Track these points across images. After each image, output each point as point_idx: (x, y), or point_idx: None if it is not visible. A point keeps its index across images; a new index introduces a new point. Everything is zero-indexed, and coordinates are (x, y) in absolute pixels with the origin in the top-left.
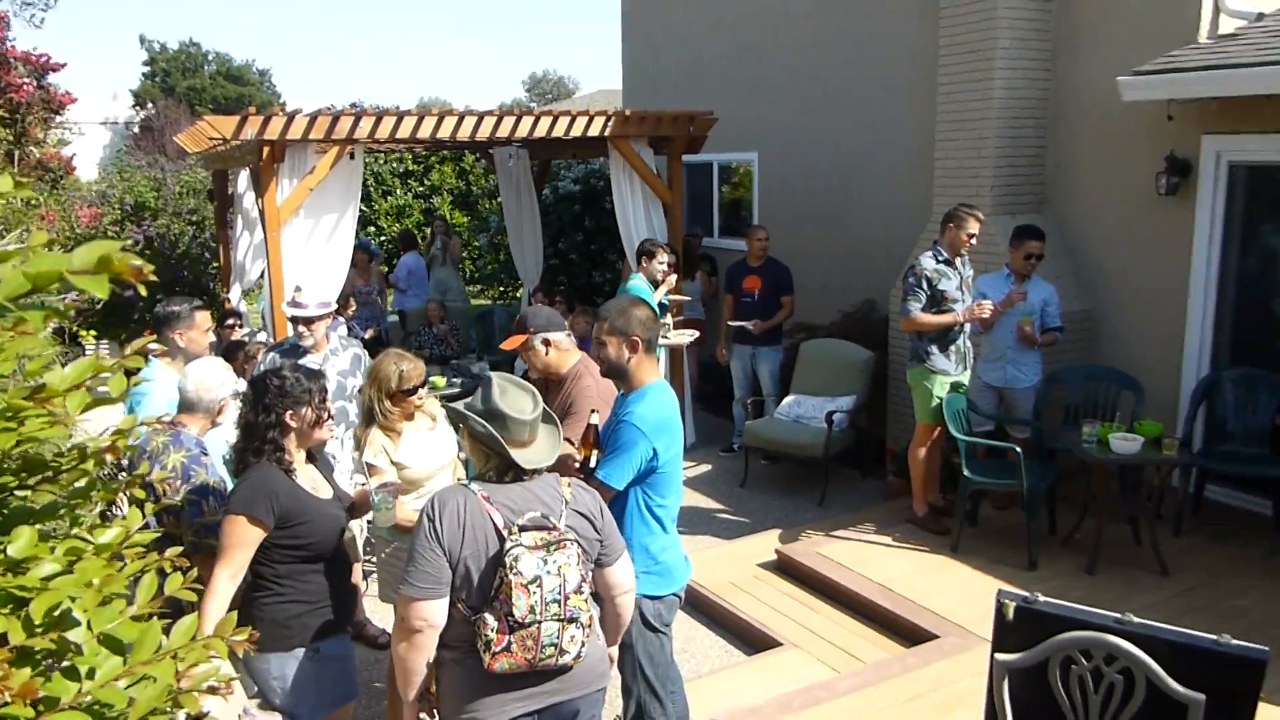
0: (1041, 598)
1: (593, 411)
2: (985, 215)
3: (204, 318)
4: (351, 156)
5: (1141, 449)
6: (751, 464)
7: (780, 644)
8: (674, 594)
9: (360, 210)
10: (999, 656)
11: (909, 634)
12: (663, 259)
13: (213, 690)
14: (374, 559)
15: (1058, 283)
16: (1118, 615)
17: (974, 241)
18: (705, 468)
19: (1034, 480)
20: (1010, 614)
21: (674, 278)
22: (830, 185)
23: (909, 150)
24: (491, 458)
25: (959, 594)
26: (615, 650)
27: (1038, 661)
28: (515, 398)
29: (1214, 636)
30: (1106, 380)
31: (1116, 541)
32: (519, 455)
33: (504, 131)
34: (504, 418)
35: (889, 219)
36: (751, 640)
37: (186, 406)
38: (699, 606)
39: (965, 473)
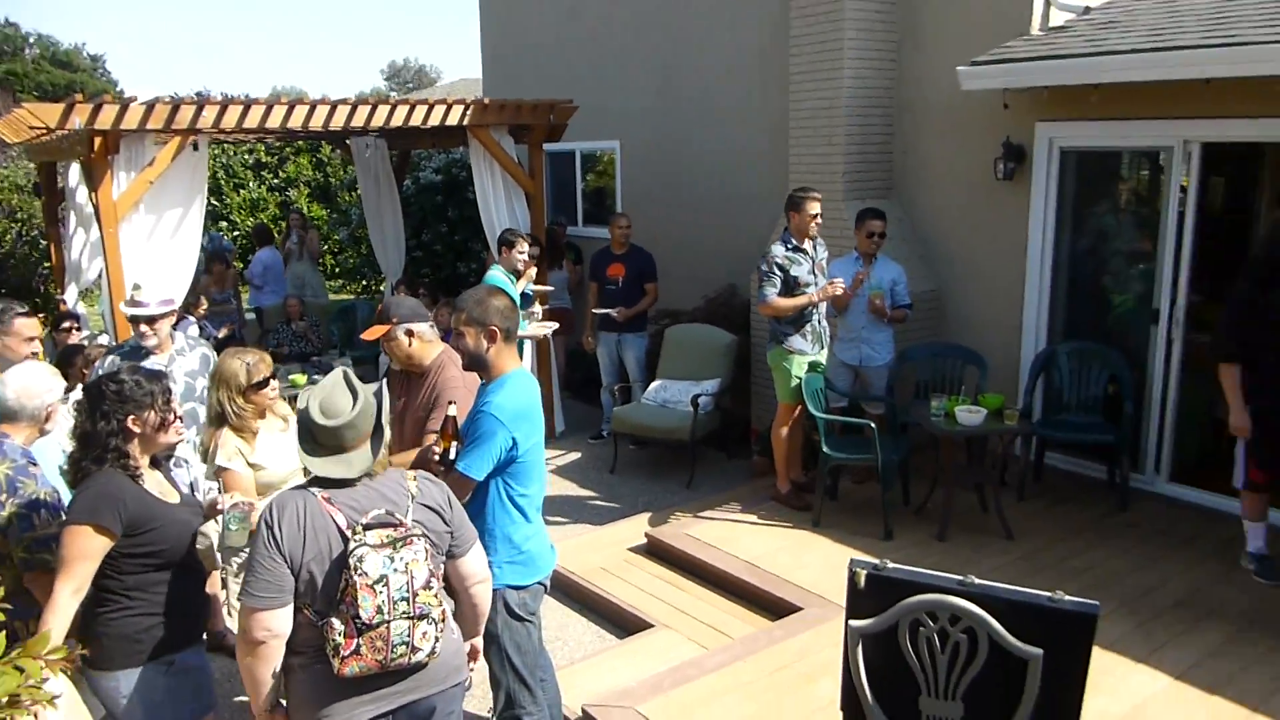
0: (891, 564)
1: (450, 403)
2: (838, 202)
3: (24, 324)
4: (195, 148)
5: (985, 420)
6: (620, 450)
7: (651, 626)
8: (539, 582)
9: (211, 204)
10: (853, 623)
11: (775, 608)
12: (523, 249)
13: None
14: (232, 565)
15: (907, 264)
16: (960, 578)
17: (819, 221)
18: (575, 455)
19: (888, 454)
20: (862, 582)
21: (534, 270)
22: (691, 173)
23: (766, 138)
24: None
25: (821, 566)
26: (478, 641)
27: (888, 626)
28: (332, 400)
29: (1049, 594)
30: (953, 356)
31: (965, 509)
32: (319, 464)
33: (359, 121)
34: (307, 424)
35: (749, 205)
36: (624, 624)
37: (8, 416)
38: (571, 593)
39: (824, 449)
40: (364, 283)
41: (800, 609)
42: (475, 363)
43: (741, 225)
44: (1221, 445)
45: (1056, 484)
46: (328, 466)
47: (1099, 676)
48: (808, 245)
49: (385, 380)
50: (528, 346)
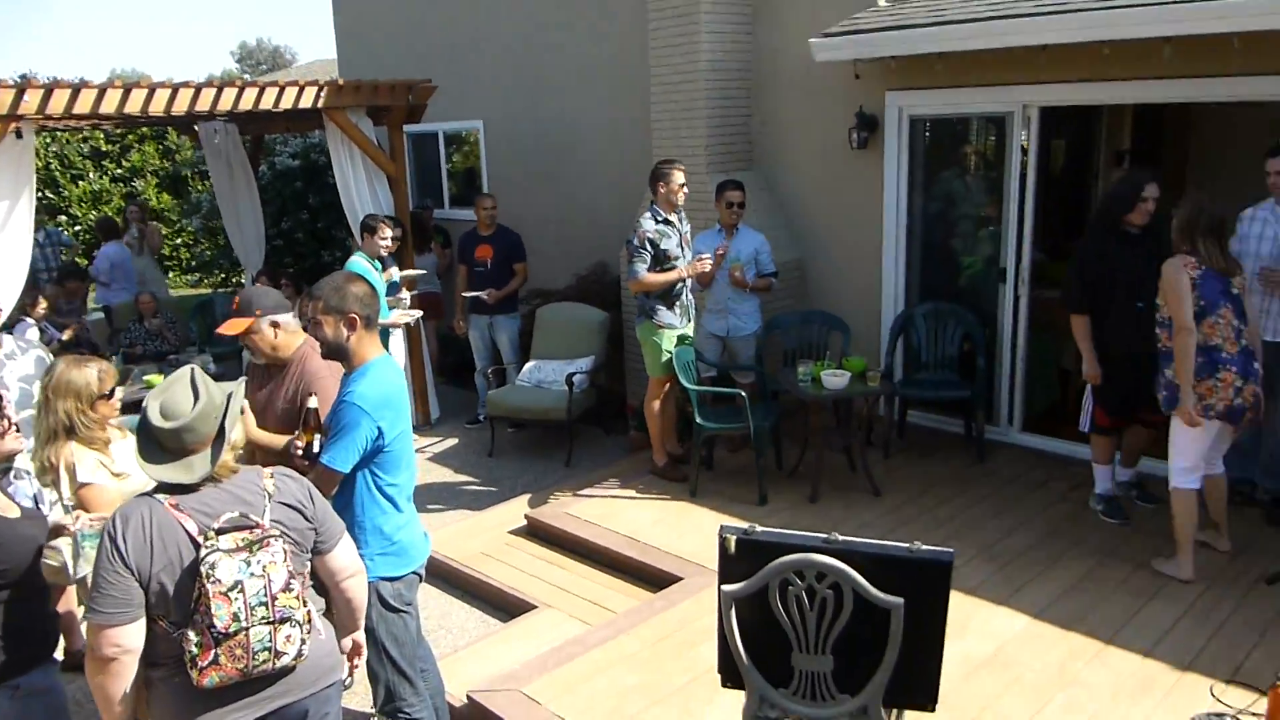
0: (759, 528)
1: (310, 395)
2: (702, 174)
3: None
4: (19, 135)
5: (849, 383)
6: (498, 433)
7: (535, 607)
8: (414, 572)
9: (46, 198)
10: (725, 588)
11: (656, 579)
12: (385, 234)
13: None
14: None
15: (771, 234)
16: (825, 536)
17: (686, 190)
18: (451, 441)
19: (759, 421)
20: (732, 547)
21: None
22: (557, 150)
23: (629, 113)
24: None
25: (699, 536)
26: (359, 636)
27: (759, 587)
28: (173, 400)
29: (907, 545)
30: (818, 323)
31: (835, 469)
32: (158, 471)
33: (204, 105)
34: (146, 427)
35: (615, 181)
36: (507, 607)
37: None
38: (452, 580)
39: (697, 420)
40: (221, 275)
41: (680, 579)
42: (335, 352)
43: (609, 201)
44: (1068, 395)
45: (919, 440)
46: (167, 473)
47: (964, 620)
48: (674, 218)
49: (246, 376)
50: (398, 334)
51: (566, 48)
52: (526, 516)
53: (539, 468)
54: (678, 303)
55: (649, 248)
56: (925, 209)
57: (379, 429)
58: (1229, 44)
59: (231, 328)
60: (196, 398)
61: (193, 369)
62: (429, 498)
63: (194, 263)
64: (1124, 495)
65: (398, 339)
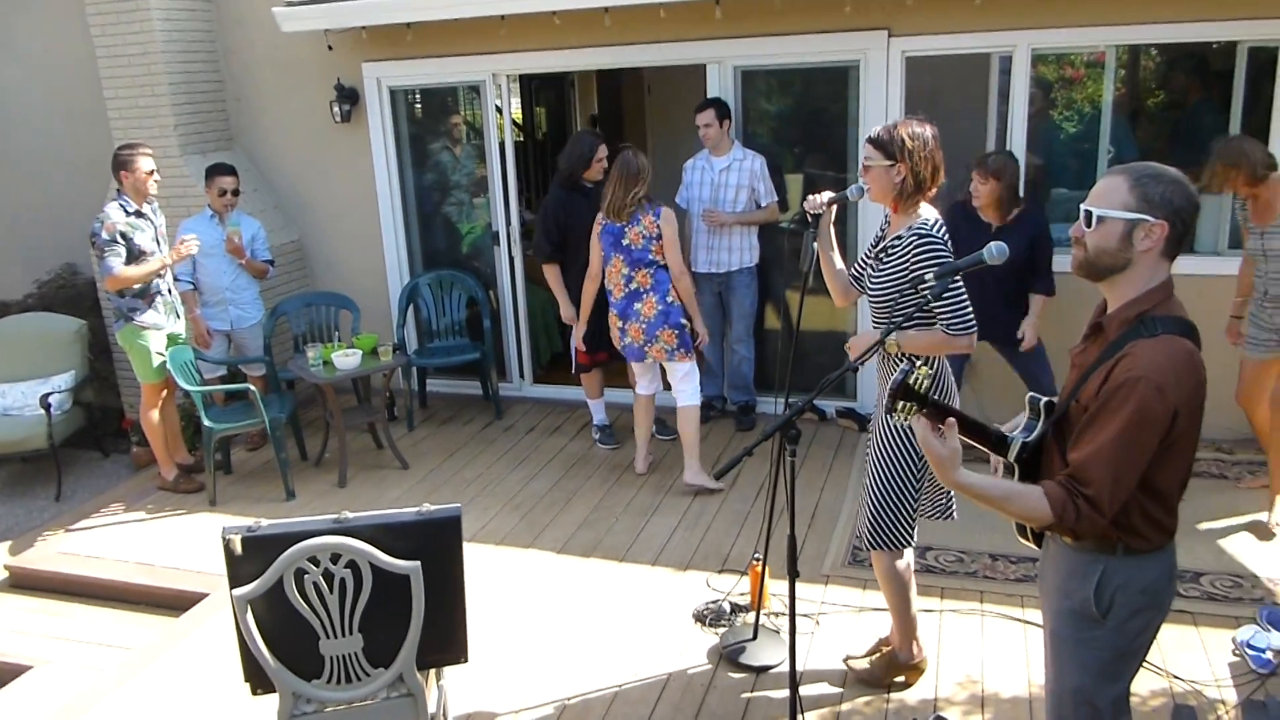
0: (265, 522)
1: None
2: (175, 158)
3: None
4: None
5: (362, 361)
6: None
7: (30, 668)
8: None
9: None
10: (236, 592)
11: (179, 603)
12: None
13: None
14: None
15: (262, 216)
16: (335, 516)
17: (157, 176)
18: None
19: (274, 414)
20: (238, 548)
21: None
22: (5, 142)
23: (87, 95)
24: None
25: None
26: None
27: (274, 583)
28: None
29: (416, 509)
30: (325, 304)
31: (362, 449)
32: None
33: None
34: None
35: (76, 172)
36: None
37: None
38: None
39: (206, 422)
40: None
41: (207, 594)
42: None
43: (71, 195)
44: (567, 345)
45: (441, 407)
46: None
47: (497, 571)
48: (148, 209)
49: None
50: None
51: (9, 26)
52: (6, 568)
53: (21, 509)
54: (160, 299)
55: (120, 240)
56: (420, 179)
57: None
58: (656, 13)
59: None
60: None
61: None
62: None
63: None
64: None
65: None
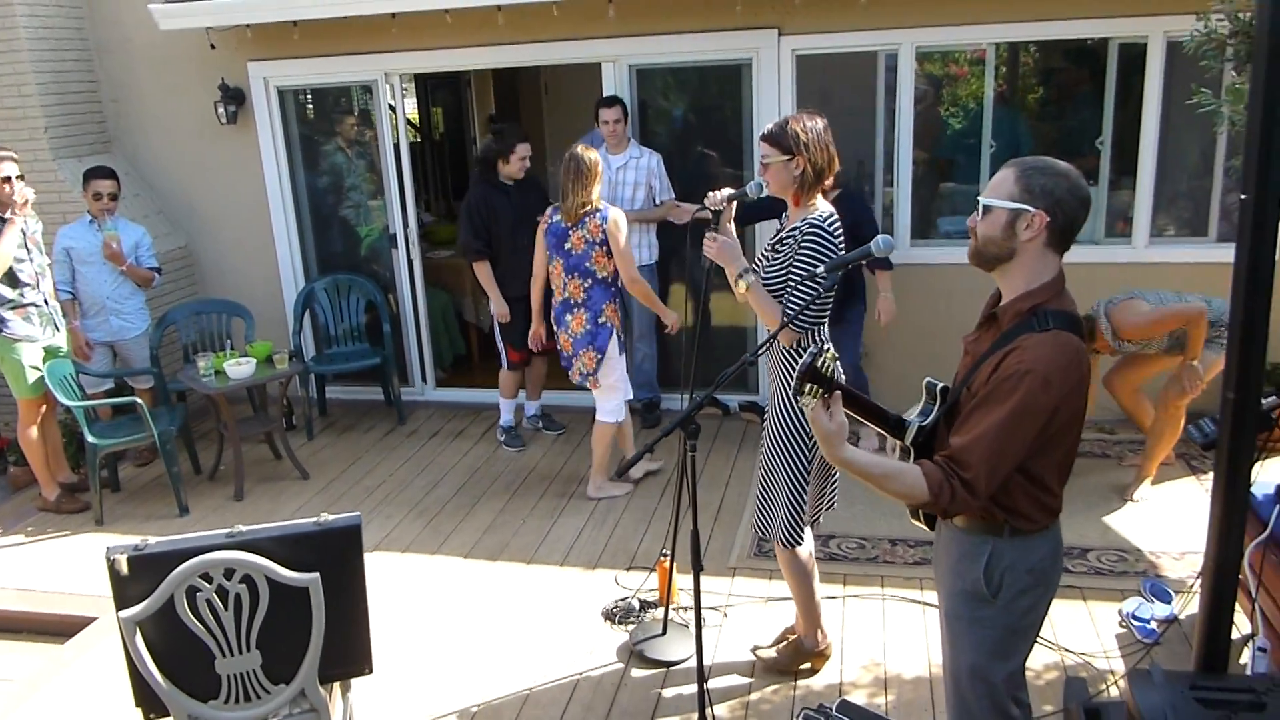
0: (153, 539)
1: None
2: (48, 162)
3: None
4: None
5: (256, 370)
6: None
7: None
8: None
9: None
10: (123, 614)
11: (64, 629)
12: None
13: None
14: None
15: (146, 222)
16: (228, 531)
17: (21, 184)
18: None
19: (163, 426)
20: (124, 568)
21: None
22: None
23: None
24: None
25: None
26: None
27: (164, 603)
28: None
29: (315, 520)
30: (216, 312)
31: (260, 460)
32: None
33: None
34: None
35: None
36: None
37: None
38: None
39: (90, 439)
40: None
41: (95, 618)
42: None
43: None
44: (470, 347)
45: (342, 414)
46: None
47: (403, 579)
48: (19, 218)
49: None
50: None
51: None
52: None
53: None
54: (34, 310)
55: None
56: (313, 181)
57: None
58: (550, 12)
59: None
60: None
61: None
62: None
63: None
64: (532, 427)
65: None
